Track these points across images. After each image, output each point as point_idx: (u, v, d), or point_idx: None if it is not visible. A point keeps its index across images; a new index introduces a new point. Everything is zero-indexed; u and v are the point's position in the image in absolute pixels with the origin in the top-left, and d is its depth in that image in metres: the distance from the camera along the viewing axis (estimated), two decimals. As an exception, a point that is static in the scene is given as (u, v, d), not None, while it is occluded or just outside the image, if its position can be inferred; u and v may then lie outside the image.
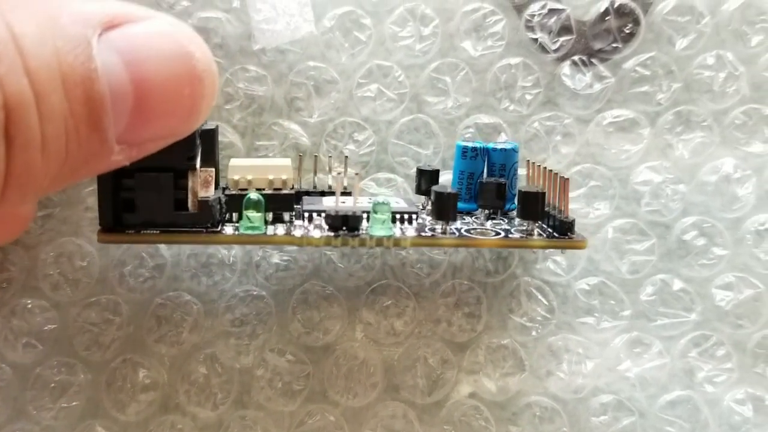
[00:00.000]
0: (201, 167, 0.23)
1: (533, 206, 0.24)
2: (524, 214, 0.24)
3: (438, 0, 0.27)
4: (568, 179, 0.24)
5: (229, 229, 0.23)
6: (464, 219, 0.26)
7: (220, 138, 0.27)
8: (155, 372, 0.27)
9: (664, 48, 0.27)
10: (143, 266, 0.27)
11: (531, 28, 0.27)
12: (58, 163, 0.14)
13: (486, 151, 0.26)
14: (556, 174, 0.24)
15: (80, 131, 0.14)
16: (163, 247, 0.27)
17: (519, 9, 0.27)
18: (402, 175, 0.28)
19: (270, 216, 0.24)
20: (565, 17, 0.27)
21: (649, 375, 0.28)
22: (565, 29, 0.27)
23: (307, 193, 0.26)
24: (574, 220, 0.24)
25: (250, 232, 0.23)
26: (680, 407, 0.28)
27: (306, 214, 0.24)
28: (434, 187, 0.23)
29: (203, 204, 0.22)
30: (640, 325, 0.28)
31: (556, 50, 0.27)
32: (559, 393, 0.28)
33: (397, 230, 0.24)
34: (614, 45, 0.27)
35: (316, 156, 0.26)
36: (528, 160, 0.27)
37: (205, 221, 0.23)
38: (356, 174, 0.25)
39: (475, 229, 0.25)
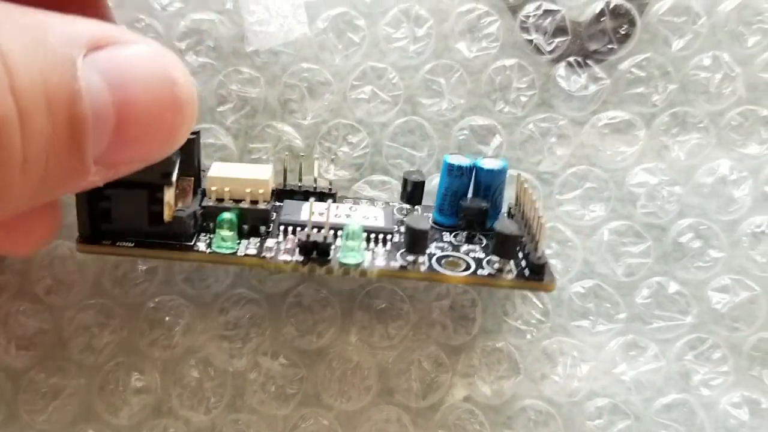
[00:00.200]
0: (181, 176, 0.23)
1: (508, 247, 0.23)
2: (498, 253, 0.23)
3: (432, 1, 0.27)
4: (544, 223, 0.23)
5: (202, 245, 0.23)
6: (444, 239, 0.25)
7: (213, 141, 0.27)
8: (148, 376, 0.27)
9: (660, 49, 0.27)
10: (136, 270, 0.27)
11: (526, 29, 0.27)
12: (36, 181, 0.14)
13: (472, 170, 0.25)
14: (538, 216, 0.23)
15: (61, 151, 0.14)
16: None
17: (514, 10, 0.27)
18: (396, 177, 0.28)
19: (246, 227, 0.24)
20: (560, 18, 0.27)
21: (644, 378, 0.28)
22: (560, 30, 0.27)
23: (292, 193, 0.26)
24: (545, 264, 0.23)
25: (221, 251, 0.23)
26: (676, 410, 0.28)
27: (281, 227, 0.24)
28: (407, 220, 0.23)
29: (177, 219, 0.23)
30: (636, 328, 0.28)
31: (551, 51, 0.27)
32: (554, 396, 0.28)
33: (368, 255, 0.23)
34: (610, 46, 0.27)
35: (302, 156, 0.26)
36: (519, 177, 0.26)
37: (179, 235, 0.23)
38: (327, 208, 0.24)
39: (448, 257, 0.24)
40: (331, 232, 0.23)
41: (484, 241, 0.25)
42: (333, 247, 0.23)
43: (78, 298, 0.27)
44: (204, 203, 0.24)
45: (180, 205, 0.23)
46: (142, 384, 0.27)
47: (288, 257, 0.23)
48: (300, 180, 0.26)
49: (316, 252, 0.23)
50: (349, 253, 0.23)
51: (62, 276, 0.27)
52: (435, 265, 0.24)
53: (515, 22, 0.27)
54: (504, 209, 0.26)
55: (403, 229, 0.25)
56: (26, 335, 0.27)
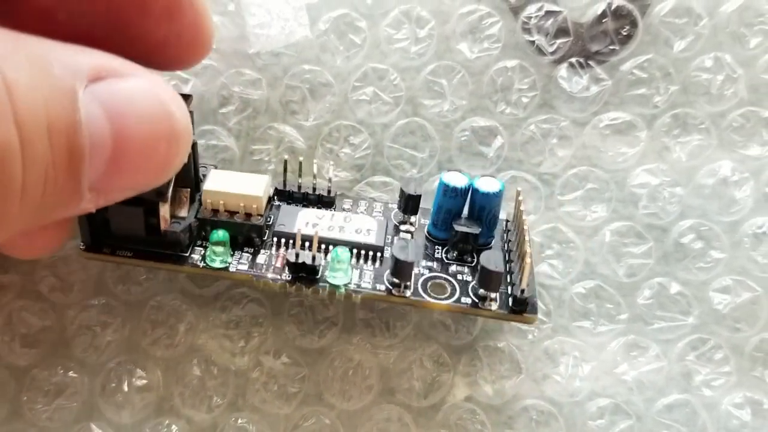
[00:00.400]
0: (177, 187, 0.24)
1: (492, 282, 0.23)
2: (482, 285, 0.24)
3: (434, 2, 0.27)
4: (530, 261, 0.23)
5: (197, 256, 0.24)
6: (435, 255, 0.25)
7: (215, 142, 0.27)
8: (150, 374, 0.27)
9: (662, 50, 0.27)
10: (138, 269, 0.27)
11: (528, 31, 0.27)
12: (32, 208, 0.14)
13: (468, 191, 0.25)
14: (525, 251, 0.23)
15: (58, 179, 0.14)
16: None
17: (516, 11, 0.27)
18: (398, 178, 0.28)
19: (240, 237, 0.25)
20: (562, 19, 0.27)
21: (646, 378, 0.28)
22: (561, 31, 0.27)
23: (290, 196, 0.26)
24: (527, 299, 0.23)
25: (214, 264, 0.24)
26: (678, 411, 0.28)
27: (275, 239, 0.25)
28: (394, 249, 0.23)
29: (171, 234, 0.23)
30: (637, 328, 0.28)
31: (552, 52, 0.27)
32: (555, 396, 0.28)
33: (356, 274, 0.24)
34: (611, 47, 0.27)
35: (301, 161, 0.26)
36: (518, 197, 0.25)
37: (174, 246, 0.24)
38: (317, 224, 0.25)
39: (436, 278, 0.25)
40: (323, 247, 0.24)
41: (475, 260, 0.25)
42: (322, 264, 0.24)
43: (81, 296, 0.27)
44: (200, 215, 0.24)
45: (178, 212, 0.24)
46: (145, 382, 0.27)
47: (277, 276, 0.24)
48: (300, 179, 0.26)
49: (304, 272, 0.24)
50: (335, 273, 0.24)
51: (66, 275, 0.27)
52: (420, 290, 0.24)
53: (517, 23, 0.27)
54: (500, 226, 0.26)
55: (395, 240, 0.25)
56: (30, 333, 0.27)
